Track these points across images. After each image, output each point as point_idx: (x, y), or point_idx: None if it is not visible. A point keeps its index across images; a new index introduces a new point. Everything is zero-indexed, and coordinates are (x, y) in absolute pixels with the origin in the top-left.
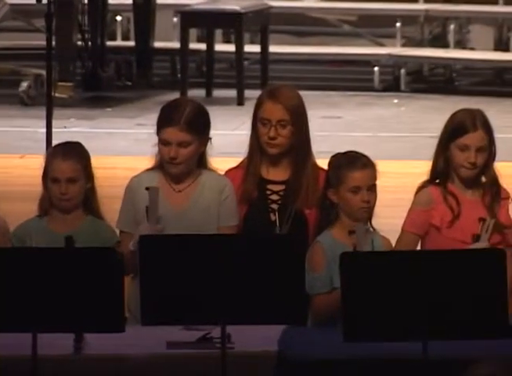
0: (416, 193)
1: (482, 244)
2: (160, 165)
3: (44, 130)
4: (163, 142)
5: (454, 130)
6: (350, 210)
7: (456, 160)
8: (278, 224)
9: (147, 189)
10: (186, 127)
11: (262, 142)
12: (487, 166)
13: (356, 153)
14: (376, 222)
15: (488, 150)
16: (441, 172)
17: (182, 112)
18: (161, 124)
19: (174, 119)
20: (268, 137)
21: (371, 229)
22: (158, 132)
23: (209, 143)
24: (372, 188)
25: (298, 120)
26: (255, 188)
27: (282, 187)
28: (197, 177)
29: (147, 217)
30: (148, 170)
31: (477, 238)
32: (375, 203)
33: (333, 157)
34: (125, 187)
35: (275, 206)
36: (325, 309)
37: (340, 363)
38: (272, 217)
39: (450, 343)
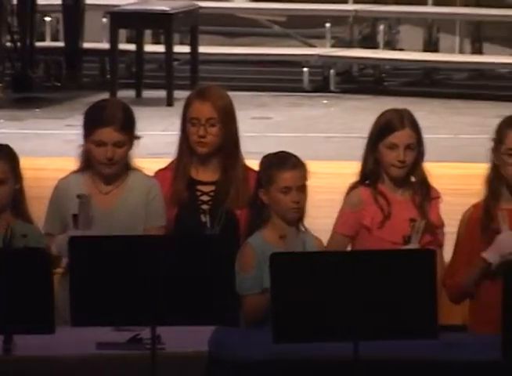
0: (347, 194)
1: (413, 245)
2: (87, 167)
3: None
4: (97, 144)
5: (382, 129)
6: (280, 210)
7: (385, 160)
8: (209, 225)
9: (78, 197)
10: (120, 127)
11: (192, 141)
12: (416, 166)
13: (287, 153)
14: (307, 222)
15: (417, 149)
16: (371, 173)
17: (114, 112)
18: (93, 126)
19: (107, 119)
20: (197, 136)
21: (303, 229)
22: (89, 134)
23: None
24: (302, 188)
25: (227, 119)
26: (185, 189)
27: (212, 188)
28: (125, 178)
29: (75, 224)
30: (75, 172)
31: (408, 239)
32: (305, 203)
33: (264, 157)
34: (52, 189)
35: (205, 207)
36: (255, 310)
37: (270, 363)
38: (203, 218)
39: (381, 343)
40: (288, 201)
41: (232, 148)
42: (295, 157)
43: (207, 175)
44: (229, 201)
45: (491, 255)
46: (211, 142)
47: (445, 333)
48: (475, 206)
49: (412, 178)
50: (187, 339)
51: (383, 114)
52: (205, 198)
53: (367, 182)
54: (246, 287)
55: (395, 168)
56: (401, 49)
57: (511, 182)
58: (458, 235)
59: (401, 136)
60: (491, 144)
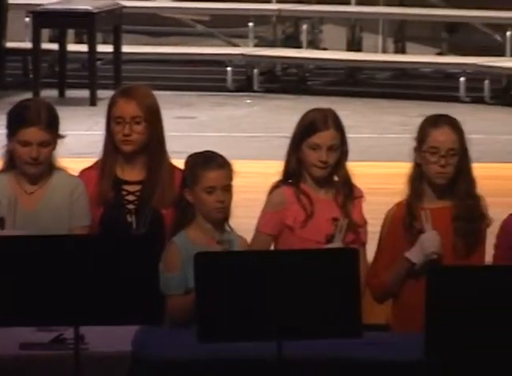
0: (269, 193)
1: (336, 244)
2: (11, 167)
3: None
4: (22, 144)
5: (305, 129)
6: (205, 210)
7: (307, 160)
8: (134, 225)
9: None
10: (46, 126)
11: (117, 140)
12: (339, 165)
13: (212, 153)
14: (232, 221)
15: (340, 148)
16: (294, 172)
17: (39, 112)
18: (18, 126)
19: (32, 119)
20: (122, 135)
21: (228, 229)
22: (14, 134)
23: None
24: (227, 188)
25: (152, 117)
26: (111, 189)
27: (138, 187)
28: (48, 178)
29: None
30: None
31: (331, 238)
32: (230, 203)
33: (189, 156)
34: None
35: (131, 207)
36: (180, 310)
37: (195, 363)
38: (129, 218)
39: (305, 343)
40: (213, 201)
41: (157, 147)
42: (221, 156)
43: (132, 174)
44: (155, 201)
45: (414, 255)
46: (136, 141)
47: (369, 332)
48: (398, 205)
49: (336, 178)
50: (111, 339)
51: (307, 114)
52: (131, 198)
53: (290, 181)
54: (170, 286)
55: (317, 169)
56: (324, 49)
57: (433, 181)
58: (381, 234)
59: (324, 137)
60: (413, 143)
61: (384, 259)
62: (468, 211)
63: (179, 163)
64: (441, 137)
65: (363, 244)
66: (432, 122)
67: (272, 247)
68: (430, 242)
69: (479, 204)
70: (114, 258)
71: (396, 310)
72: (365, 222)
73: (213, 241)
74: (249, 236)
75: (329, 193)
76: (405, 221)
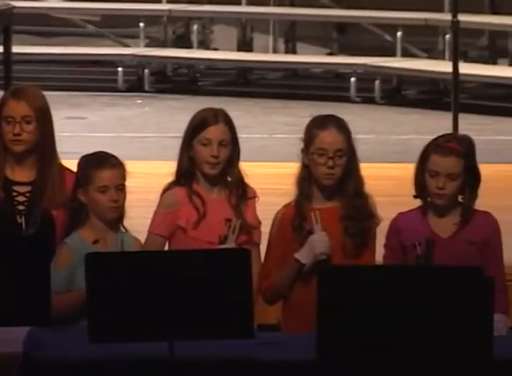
0: (162, 194)
1: (229, 245)
2: None
3: None
4: None
5: (196, 126)
6: (98, 210)
7: (199, 157)
8: (24, 226)
9: None
10: None
11: (7, 140)
12: (231, 165)
13: (105, 153)
14: (125, 222)
15: (231, 146)
16: (186, 172)
17: None
18: None
19: None
20: (12, 134)
21: (123, 229)
22: None
23: None
24: (120, 187)
25: (43, 117)
26: (1, 189)
27: (28, 188)
28: None
29: None
30: None
31: (223, 239)
32: (124, 203)
33: (82, 157)
34: None
35: (21, 207)
36: (60, 309)
37: (86, 364)
38: (19, 219)
39: (197, 343)
40: (106, 200)
41: (48, 148)
42: (114, 157)
43: (23, 175)
44: (45, 202)
45: (304, 256)
46: (27, 140)
47: (261, 332)
48: (286, 206)
49: (229, 178)
50: (1, 339)
51: (198, 113)
52: (21, 199)
53: (182, 182)
54: (55, 285)
55: (209, 165)
56: (215, 49)
57: (321, 183)
58: (270, 236)
59: (214, 132)
60: (301, 144)
61: (273, 260)
62: (356, 210)
63: (69, 163)
64: (328, 138)
65: (257, 245)
66: (319, 123)
67: (166, 249)
68: (319, 243)
69: (367, 203)
70: (3, 259)
71: (287, 311)
72: (259, 223)
73: (106, 242)
74: (141, 237)
75: (222, 194)
76: (294, 222)
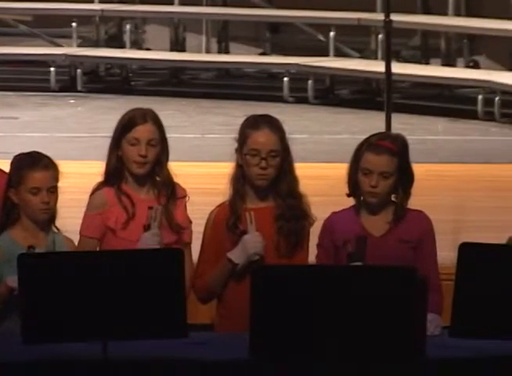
0: (90, 195)
1: (153, 232)
2: None
3: None
4: None
5: (124, 126)
6: (30, 211)
7: (127, 156)
8: None
9: None
10: None
11: None
12: (161, 165)
13: (39, 154)
14: (57, 222)
15: (160, 145)
16: (115, 172)
17: None
18: None
19: None
20: None
21: (55, 230)
22: None
23: None
24: (52, 189)
25: None
26: None
27: None
28: None
29: None
30: None
31: (147, 228)
32: (56, 204)
33: (15, 156)
34: None
35: None
36: None
37: (20, 365)
38: None
39: (130, 343)
40: (37, 202)
41: None
42: (47, 157)
43: None
44: None
45: (237, 255)
46: None
47: (194, 332)
48: (220, 206)
49: (157, 178)
50: None
51: (127, 112)
52: None
53: (111, 182)
54: None
55: (137, 165)
56: (147, 49)
57: (255, 183)
58: (204, 235)
59: (142, 131)
60: (235, 144)
61: (207, 260)
62: (290, 210)
63: (1, 164)
64: (261, 139)
65: (188, 245)
66: (252, 124)
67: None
68: (252, 243)
69: (302, 203)
70: None
71: (220, 310)
72: (189, 222)
73: (37, 242)
74: (74, 237)
75: (150, 193)
76: (228, 222)
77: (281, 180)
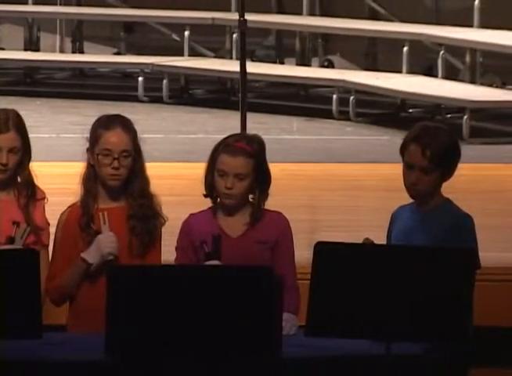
0: None
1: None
2: None
3: None
4: None
5: None
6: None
7: None
8: None
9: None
10: None
11: None
12: (22, 166)
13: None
14: None
15: (23, 151)
16: None
17: None
18: None
19: None
20: None
21: None
22: None
23: None
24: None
25: None
26: None
27: None
28: None
29: None
30: None
31: (11, 241)
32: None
33: None
34: None
35: None
36: None
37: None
38: None
39: None
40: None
41: None
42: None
43: None
44: None
45: (91, 255)
46: None
47: (49, 332)
48: (72, 206)
49: (18, 179)
50: None
51: None
52: None
53: None
54: None
55: None
56: (1, 49)
57: (107, 183)
58: (56, 236)
59: (4, 140)
60: (87, 144)
61: (60, 261)
62: (142, 210)
63: None
64: (113, 139)
65: (45, 246)
66: (104, 124)
67: None
68: (106, 243)
69: (153, 203)
70: None
71: (74, 311)
72: (47, 224)
73: None
74: None
75: (11, 194)
76: (81, 222)
77: (133, 180)
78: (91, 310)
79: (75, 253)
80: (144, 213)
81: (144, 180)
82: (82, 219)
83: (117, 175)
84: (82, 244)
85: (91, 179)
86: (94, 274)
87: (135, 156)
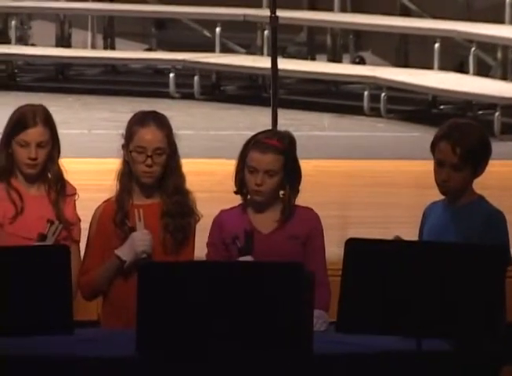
0: None
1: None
2: None
3: None
4: None
5: (15, 126)
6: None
7: (17, 157)
8: None
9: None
10: None
11: None
12: (52, 162)
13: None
14: None
15: (51, 145)
16: (5, 169)
17: None
18: None
19: None
20: None
21: None
22: None
23: None
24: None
25: None
26: None
27: None
28: None
29: None
30: None
31: (43, 238)
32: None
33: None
34: None
35: None
36: None
37: None
38: None
39: (17, 340)
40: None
41: None
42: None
43: None
44: None
45: (125, 252)
46: None
47: (81, 328)
48: (106, 202)
49: (49, 174)
50: None
51: (17, 110)
52: None
53: (1, 178)
54: None
55: (27, 166)
56: (33, 45)
57: (140, 180)
58: (90, 232)
59: (32, 134)
60: (122, 140)
61: (93, 256)
62: (176, 207)
63: None
64: (148, 136)
65: (76, 242)
66: (139, 120)
67: None
68: (141, 241)
69: (188, 199)
70: None
71: (107, 307)
72: (78, 220)
73: None
74: None
75: (41, 190)
76: (115, 218)
77: (167, 177)
78: (125, 307)
79: (108, 248)
80: (178, 210)
81: (179, 177)
82: (117, 215)
83: (150, 173)
84: (116, 239)
85: (127, 176)
86: (127, 271)
87: (169, 153)
